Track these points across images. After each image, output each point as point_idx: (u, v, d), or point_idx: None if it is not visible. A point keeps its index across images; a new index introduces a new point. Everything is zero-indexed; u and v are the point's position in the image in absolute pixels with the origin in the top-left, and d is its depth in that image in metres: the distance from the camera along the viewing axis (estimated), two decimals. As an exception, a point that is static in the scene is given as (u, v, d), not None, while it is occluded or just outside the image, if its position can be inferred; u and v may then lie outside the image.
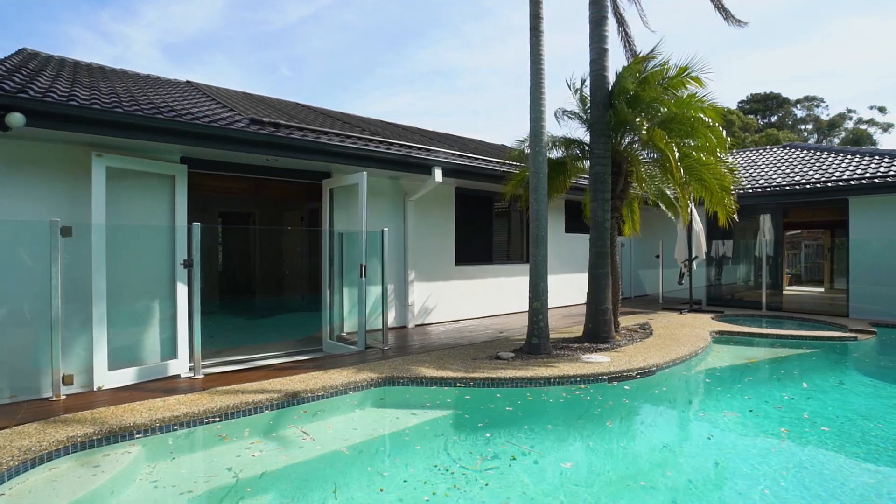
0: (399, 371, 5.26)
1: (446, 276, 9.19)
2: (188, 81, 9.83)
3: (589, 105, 7.41)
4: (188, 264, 5.03)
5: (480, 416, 4.46)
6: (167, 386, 4.97)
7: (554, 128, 8.80)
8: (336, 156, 6.62)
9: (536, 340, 6.29)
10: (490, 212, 10.25)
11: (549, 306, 11.57)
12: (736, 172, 8.03)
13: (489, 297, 10.08)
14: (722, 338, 7.88)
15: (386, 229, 6.71)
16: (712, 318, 9.78)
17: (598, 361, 5.88)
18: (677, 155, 6.47)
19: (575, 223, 12.33)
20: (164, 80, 9.05)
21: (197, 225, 5.08)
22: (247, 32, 60.71)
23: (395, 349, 6.62)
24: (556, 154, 8.07)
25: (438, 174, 7.72)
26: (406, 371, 5.26)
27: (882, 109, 38.16)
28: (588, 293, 7.33)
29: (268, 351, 6.93)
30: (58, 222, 4.46)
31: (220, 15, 54.35)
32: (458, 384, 5.03)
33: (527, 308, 11.40)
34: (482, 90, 70.75)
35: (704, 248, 10.62)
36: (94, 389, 4.96)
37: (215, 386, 4.78)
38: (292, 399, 4.44)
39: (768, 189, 11.35)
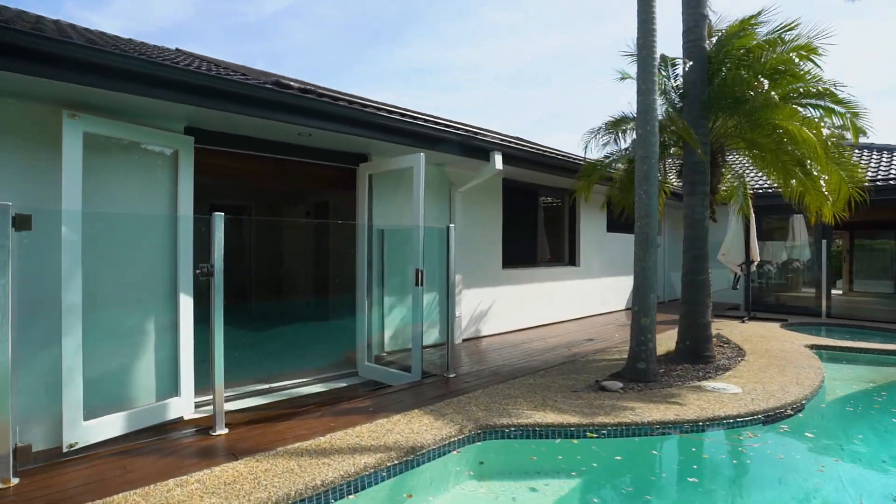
0: (495, 414, 3.86)
1: (493, 282, 7.82)
2: (178, 49, 8.19)
3: (681, 82, 6.21)
4: (206, 273, 3.51)
5: (666, 495, 3.08)
6: (174, 446, 3.43)
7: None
8: (389, 132, 5.19)
9: (644, 365, 4.98)
10: (536, 207, 8.95)
11: (592, 313, 10.53)
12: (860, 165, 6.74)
13: (537, 305, 8.74)
14: (823, 353, 6.73)
15: (452, 226, 5.29)
16: (782, 328, 8.72)
17: (730, 392, 4.62)
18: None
19: (616, 222, 11.10)
20: (150, 45, 7.40)
21: (220, 216, 3.56)
22: (221, 24, 58.02)
23: (462, 377, 5.21)
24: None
25: (498, 160, 6.35)
26: (504, 414, 3.87)
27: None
28: (683, 303, 6.08)
29: (291, 378, 5.45)
30: (9, 207, 2.90)
31: (193, 4, 51.64)
32: (586, 433, 3.66)
33: (574, 316, 10.27)
34: (468, 88, 69.65)
35: (757, 251, 9.54)
36: (64, 450, 3.41)
37: (249, 446, 3.28)
38: (375, 471, 2.99)
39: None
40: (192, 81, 3.80)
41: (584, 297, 9.95)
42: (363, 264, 5.88)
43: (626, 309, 11.19)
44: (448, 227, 5.25)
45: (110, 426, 3.72)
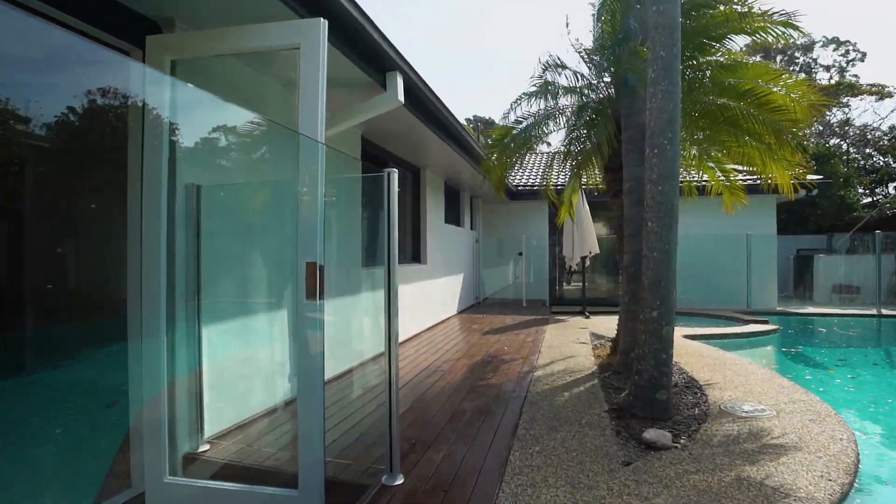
0: None
1: (354, 288, 5.18)
2: None
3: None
4: None
5: None
6: None
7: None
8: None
9: (665, 395, 3.41)
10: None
11: (439, 320, 8.61)
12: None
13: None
14: (706, 343, 6.54)
15: (394, 171, 2.66)
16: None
17: (770, 414, 3.47)
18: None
19: (452, 212, 9.65)
20: None
21: None
22: None
23: (416, 472, 2.62)
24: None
25: (399, 88, 3.90)
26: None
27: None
28: (645, 303, 4.79)
29: None
30: None
31: None
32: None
33: (426, 326, 7.96)
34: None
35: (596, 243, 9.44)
36: None
37: None
38: None
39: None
40: None
41: (432, 302, 8.11)
42: (154, 259, 2.60)
43: (461, 312, 9.84)
44: (388, 174, 2.62)
45: None
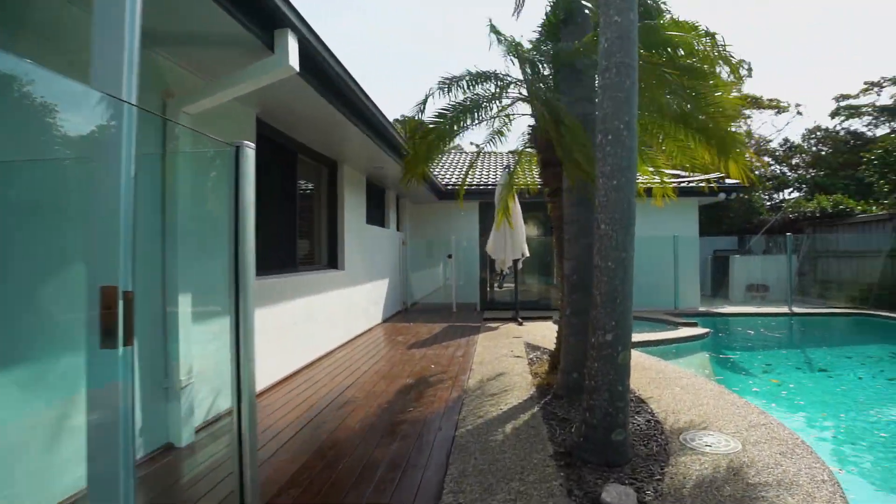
0: None
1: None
2: None
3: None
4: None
5: None
6: None
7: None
8: None
9: (621, 435, 2.82)
10: (293, 179, 5.60)
11: (357, 333, 7.60)
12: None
13: (303, 334, 5.45)
14: (641, 350, 6.21)
15: (249, 145, 1.78)
16: (554, 323, 8.29)
17: (736, 449, 2.99)
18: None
19: (375, 212, 8.79)
20: None
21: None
22: None
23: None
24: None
25: (293, 52, 3.02)
26: None
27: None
28: (574, 314, 4.22)
29: None
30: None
31: None
32: None
33: (342, 341, 6.89)
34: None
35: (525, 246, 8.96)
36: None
37: None
38: None
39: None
40: None
41: (352, 312, 7.21)
42: None
43: (386, 321, 8.99)
44: (238, 148, 1.74)
45: None
